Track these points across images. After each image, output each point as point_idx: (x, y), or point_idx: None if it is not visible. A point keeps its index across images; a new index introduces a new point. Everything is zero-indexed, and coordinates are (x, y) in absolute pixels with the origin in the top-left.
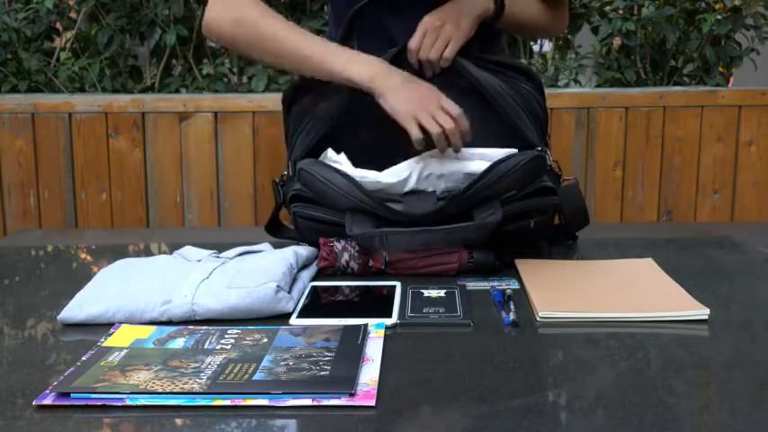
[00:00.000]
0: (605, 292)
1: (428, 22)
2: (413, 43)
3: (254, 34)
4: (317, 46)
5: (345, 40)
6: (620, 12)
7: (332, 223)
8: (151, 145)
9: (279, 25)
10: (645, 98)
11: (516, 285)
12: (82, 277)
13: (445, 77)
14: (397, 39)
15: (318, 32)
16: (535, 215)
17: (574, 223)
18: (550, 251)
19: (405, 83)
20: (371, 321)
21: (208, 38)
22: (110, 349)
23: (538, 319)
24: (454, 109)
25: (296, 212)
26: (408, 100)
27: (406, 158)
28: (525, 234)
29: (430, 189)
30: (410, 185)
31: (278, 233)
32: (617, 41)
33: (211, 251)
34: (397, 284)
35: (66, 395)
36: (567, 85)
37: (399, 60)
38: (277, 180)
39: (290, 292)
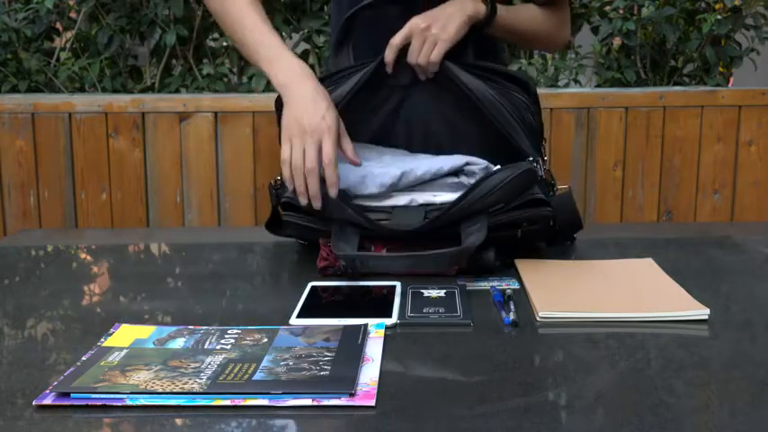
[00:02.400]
0: (605, 292)
1: (414, 24)
2: (395, 39)
3: (221, 11)
4: (255, 35)
5: (341, 42)
6: (621, 12)
7: (324, 232)
8: (151, 145)
9: (241, 8)
10: (645, 98)
11: (516, 285)
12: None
13: (438, 85)
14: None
15: (318, 33)
16: (525, 225)
17: (568, 231)
18: (550, 251)
19: (307, 101)
20: (371, 321)
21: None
22: (110, 349)
23: (538, 319)
24: (329, 154)
25: (288, 222)
26: (297, 119)
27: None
28: (516, 238)
29: (416, 202)
30: (394, 200)
31: (278, 231)
32: (617, 41)
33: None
34: (397, 284)
35: (66, 395)
36: (567, 85)
37: (380, 72)
38: (272, 183)
39: None
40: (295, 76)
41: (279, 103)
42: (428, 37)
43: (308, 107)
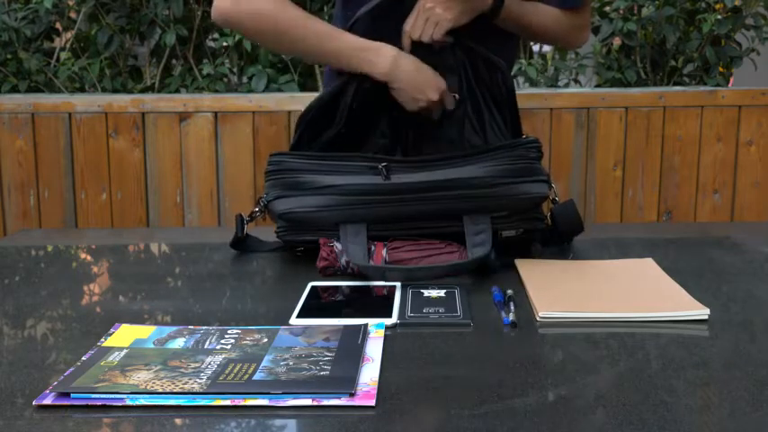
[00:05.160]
0: (605, 291)
1: (420, 3)
2: (407, 25)
3: (273, 29)
4: (333, 41)
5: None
6: (621, 12)
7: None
8: (151, 145)
9: (297, 20)
10: (645, 98)
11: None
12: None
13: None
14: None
15: None
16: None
17: (569, 236)
18: (550, 251)
19: (414, 72)
20: (371, 321)
21: (220, 25)
22: (110, 349)
23: (538, 319)
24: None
25: (288, 240)
26: (414, 89)
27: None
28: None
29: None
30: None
31: (246, 247)
32: (617, 41)
33: None
34: (398, 284)
35: (66, 395)
36: (567, 85)
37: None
38: (245, 216)
39: None
40: (391, 58)
41: (303, 117)
42: (431, 16)
43: (421, 76)
